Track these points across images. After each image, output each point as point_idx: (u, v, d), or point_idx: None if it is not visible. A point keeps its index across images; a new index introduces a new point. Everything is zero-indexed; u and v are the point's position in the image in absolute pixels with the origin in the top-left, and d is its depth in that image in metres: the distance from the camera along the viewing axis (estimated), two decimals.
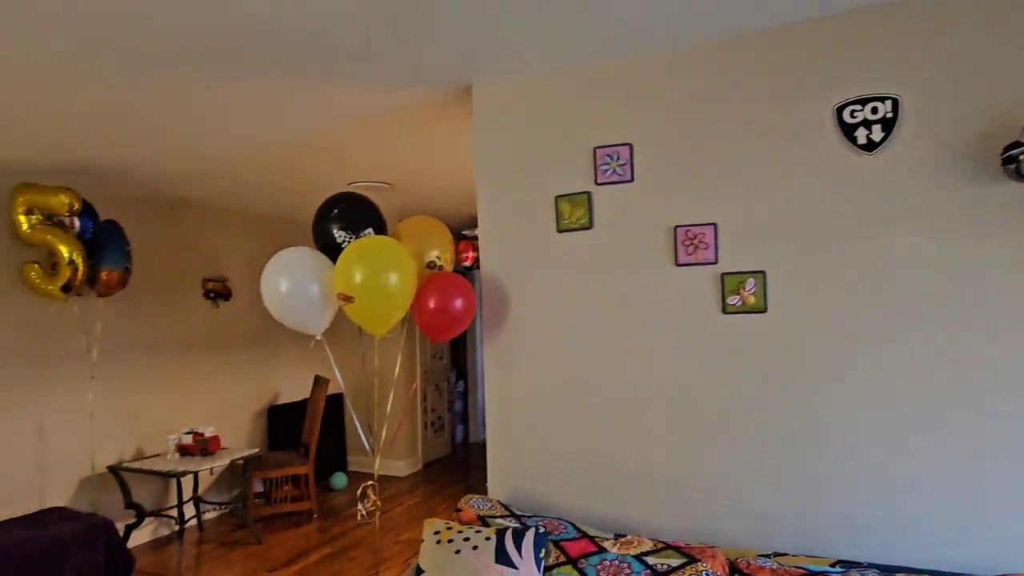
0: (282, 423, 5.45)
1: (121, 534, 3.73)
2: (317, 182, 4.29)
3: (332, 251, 2.30)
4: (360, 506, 2.61)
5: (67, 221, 3.71)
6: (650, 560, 1.84)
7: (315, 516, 4.80)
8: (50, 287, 3.64)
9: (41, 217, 3.61)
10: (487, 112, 2.49)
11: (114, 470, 3.96)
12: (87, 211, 3.77)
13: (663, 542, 1.93)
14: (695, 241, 2.17)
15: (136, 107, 2.69)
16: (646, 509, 2.20)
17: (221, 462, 3.99)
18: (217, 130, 3.05)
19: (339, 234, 2.27)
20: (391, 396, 2.93)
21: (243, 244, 5.25)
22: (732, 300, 2.10)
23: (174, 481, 4.52)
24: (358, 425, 2.81)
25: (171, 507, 4.25)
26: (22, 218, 3.55)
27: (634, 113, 2.25)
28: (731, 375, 2.10)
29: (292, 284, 2.18)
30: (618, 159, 2.28)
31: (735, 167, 2.12)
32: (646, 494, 2.20)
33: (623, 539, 1.98)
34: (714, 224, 2.14)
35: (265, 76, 2.36)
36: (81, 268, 3.66)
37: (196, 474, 3.91)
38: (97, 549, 3.38)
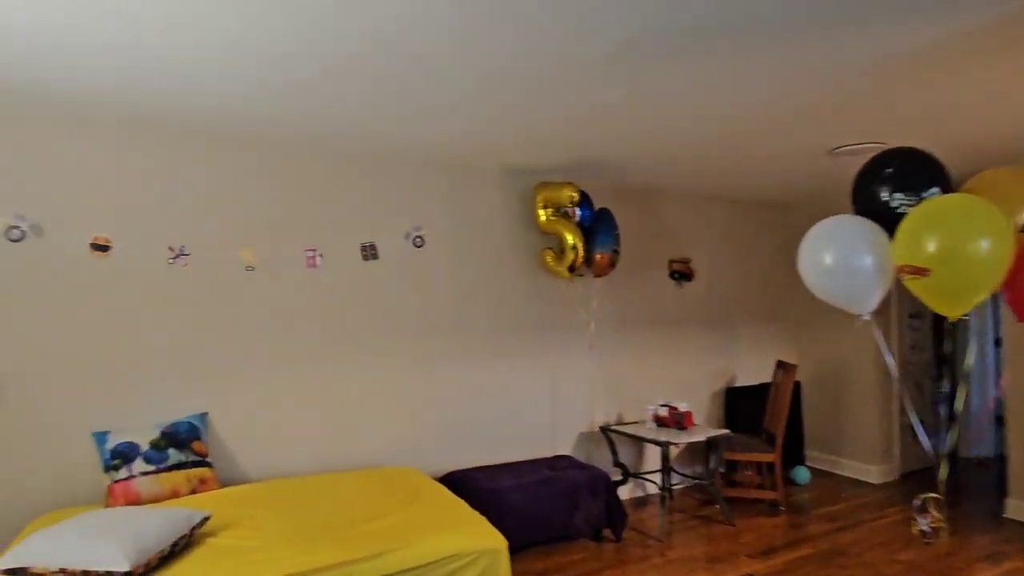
0: (739, 406, 5.35)
1: None
2: (783, 158, 3.98)
3: (882, 217, 1.97)
4: (920, 522, 2.22)
5: (570, 211, 4.30)
6: None
7: (781, 509, 4.54)
8: (559, 268, 4.29)
9: (552, 209, 4.27)
10: None
11: (605, 430, 4.46)
12: (585, 202, 4.30)
13: None
14: None
15: (623, 105, 2.86)
16: None
17: (697, 438, 4.08)
18: (692, 114, 3.04)
19: (894, 197, 1.93)
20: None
21: (705, 226, 5.32)
22: None
23: (647, 447, 4.88)
24: (914, 418, 2.40)
25: (649, 472, 4.58)
26: (541, 211, 4.26)
27: None
28: None
29: (839, 256, 1.94)
30: None
31: None
32: None
33: None
34: None
35: (765, 39, 2.17)
36: (580, 251, 4.20)
37: (669, 445, 4.08)
38: (600, 497, 3.83)
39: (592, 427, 4.65)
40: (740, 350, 5.48)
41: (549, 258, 4.32)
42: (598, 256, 4.26)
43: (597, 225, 4.29)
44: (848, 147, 3.76)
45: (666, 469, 4.11)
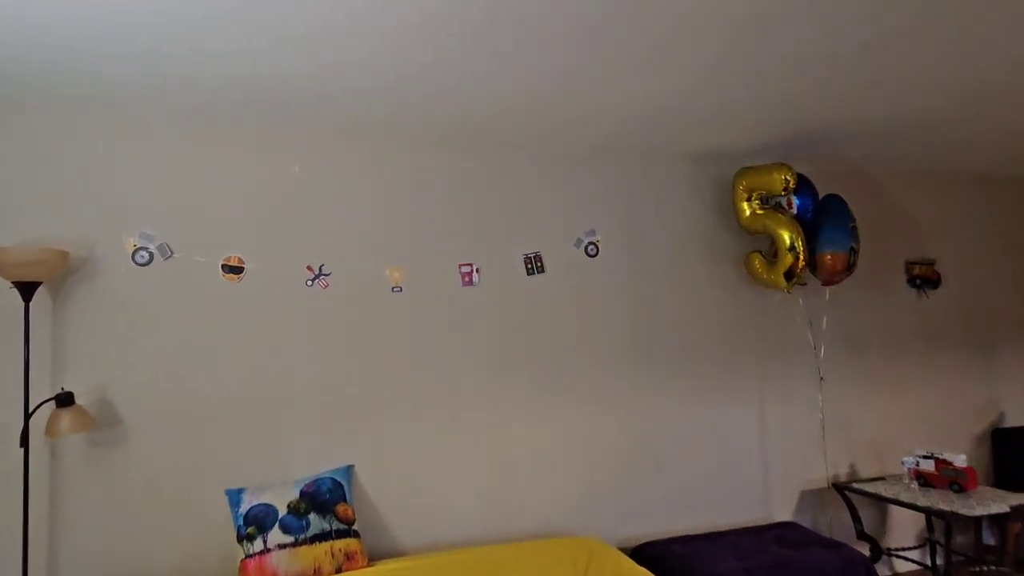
0: (1011, 454, 3.99)
1: None
2: None
3: None
4: None
5: (784, 201, 3.32)
6: None
7: None
8: (772, 276, 3.30)
9: (759, 201, 3.32)
10: None
11: (841, 489, 3.37)
12: (805, 187, 3.30)
13: None
14: None
15: (851, 57, 1.88)
16: None
17: (996, 507, 2.88)
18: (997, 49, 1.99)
19: None
20: None
21: (956, 215, 4.07)
22: None
23: (890, 510, 3.69)
24: None
25: (904, 549, 3.40)
26: (744, 204, 3.32)
27: None
28: None
29: None
30: None
31: None
32: None
33: None
34: None
35: None
36: (802, 253, 3.19)
37: (960, 519, 2.91)
38: None
39: (820, 483, 3.56)
40: (1008, 379, 4.12)
41: (757, 263, 3.35)
42: (828, 257, 3.24)
43: (824, 217, 3.27)
44: None
45: (945, 548, 2.97)
